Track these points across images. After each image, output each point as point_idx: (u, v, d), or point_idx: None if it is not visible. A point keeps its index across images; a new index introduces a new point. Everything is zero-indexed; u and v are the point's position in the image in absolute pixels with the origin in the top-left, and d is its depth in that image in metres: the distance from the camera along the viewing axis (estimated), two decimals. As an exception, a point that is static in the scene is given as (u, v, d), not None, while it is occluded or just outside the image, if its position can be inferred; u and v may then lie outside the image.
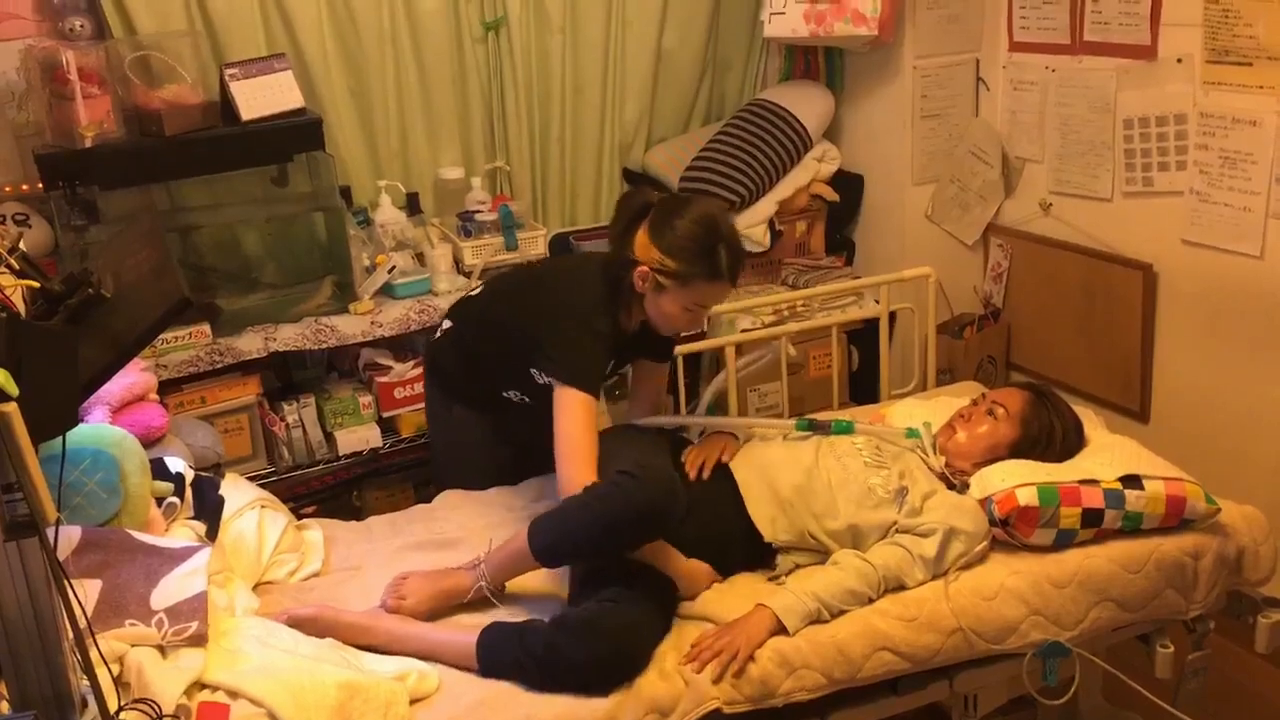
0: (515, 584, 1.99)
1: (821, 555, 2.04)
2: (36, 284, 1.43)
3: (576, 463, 1.95)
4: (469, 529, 2.20)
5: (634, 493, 1.81)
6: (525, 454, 2.28)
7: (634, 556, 1.90)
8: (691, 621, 1.92)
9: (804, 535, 2.04)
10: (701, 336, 2.94)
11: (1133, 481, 2.05)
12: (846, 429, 2.20)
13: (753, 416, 3.04)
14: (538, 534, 1.87)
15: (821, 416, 2.30)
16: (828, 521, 2.02)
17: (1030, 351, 3.31)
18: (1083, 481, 2.04)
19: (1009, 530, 2.02)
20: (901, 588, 1.94)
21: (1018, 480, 2.03)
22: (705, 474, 2.13)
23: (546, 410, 2.02)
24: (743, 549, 2.05)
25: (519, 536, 1.89)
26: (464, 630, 1.85)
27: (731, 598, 1.96)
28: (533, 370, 2.11)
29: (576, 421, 1.98)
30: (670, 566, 1.94)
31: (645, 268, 2.04)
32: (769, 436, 2.24)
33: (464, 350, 2.32)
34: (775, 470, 2.09)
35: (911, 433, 2.23)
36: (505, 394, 2.25)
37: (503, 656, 1.78)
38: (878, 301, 2.91)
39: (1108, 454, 2.15)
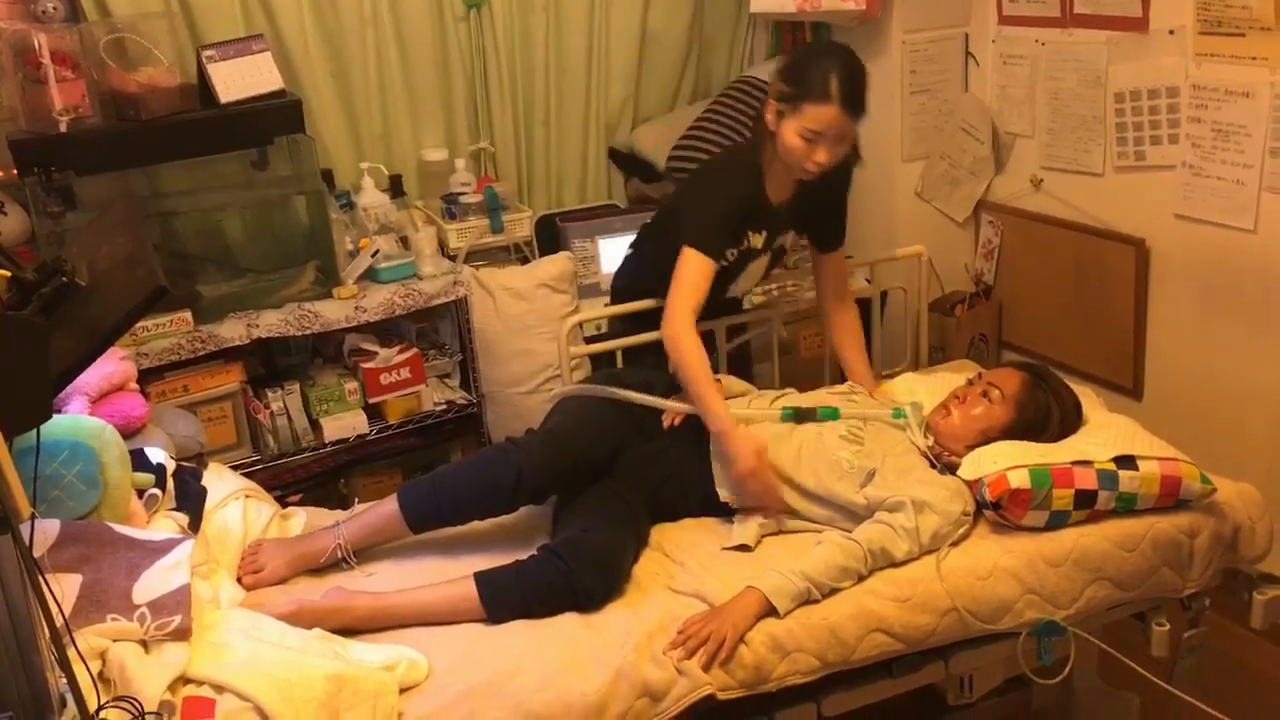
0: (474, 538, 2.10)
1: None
2: (8, 273, 1.40)
3: (678, 301, 2.16)
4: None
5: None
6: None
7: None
8: (682, 600, 1.91)
9: None
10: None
11: (1127, 462, 2.03)
12: (832, 415, 2.18)
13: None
14: (410, 507, 2.03)
15: (806, 401, 2.26)
16: (790, 480, 2.08)
17: (1022, 329, 3.29)
18: (1076, 463, 2.02)
19: (1001, 513, 2.00)
20: (892, 564, 1.93)
21: (1009, 462, 2.01)
22: (676, 421, 2.20)
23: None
24: (702, 500, 2.14)
25: (388, 502, 2.04)
26: (446, 584, 1.90)
27: (723, 570, 1.96)
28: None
29: (688, 273, 2.18)
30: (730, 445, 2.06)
31: (771, 101, 2.17)
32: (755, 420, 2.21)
33: (639, 260, 2.49)
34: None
35: (898, 413, 2.21)
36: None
37: (509, 596, 1.87)
38: (868, 280, 2.88)
39: (1103, 434, 2.13)
